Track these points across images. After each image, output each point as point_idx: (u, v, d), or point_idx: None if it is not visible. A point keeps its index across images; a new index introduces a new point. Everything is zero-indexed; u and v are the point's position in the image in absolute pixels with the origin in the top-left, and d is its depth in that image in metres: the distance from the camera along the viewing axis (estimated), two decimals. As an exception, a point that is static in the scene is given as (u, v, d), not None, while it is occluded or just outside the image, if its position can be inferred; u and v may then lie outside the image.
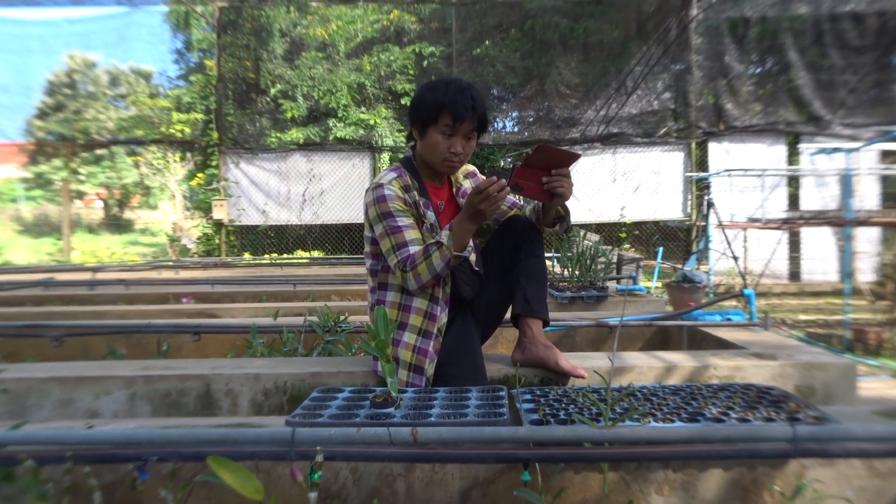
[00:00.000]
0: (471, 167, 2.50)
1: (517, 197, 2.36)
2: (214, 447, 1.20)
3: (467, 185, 2.41)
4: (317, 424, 1.45)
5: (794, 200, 10.25)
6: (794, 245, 9.90)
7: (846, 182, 6.02)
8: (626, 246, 11.14)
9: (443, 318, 2.21)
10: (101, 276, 6.25)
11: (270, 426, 1.53)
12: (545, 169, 2.07)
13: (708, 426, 1.30)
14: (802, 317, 7.00)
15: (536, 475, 1.42)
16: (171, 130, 11.88)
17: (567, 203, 2.22)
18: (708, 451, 1.22)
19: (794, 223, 7.39)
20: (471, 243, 2.19)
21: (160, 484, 1.42)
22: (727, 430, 1.22)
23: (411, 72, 11.48)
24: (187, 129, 11.74)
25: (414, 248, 2.11)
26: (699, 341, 3.10)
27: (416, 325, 2.18)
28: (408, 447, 1.26)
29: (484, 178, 2.42)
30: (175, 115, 11.95)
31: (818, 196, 9.88)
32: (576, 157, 2.07)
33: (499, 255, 2.32)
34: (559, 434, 1.25)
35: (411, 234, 2.14)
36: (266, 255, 11.04)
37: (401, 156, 2.30)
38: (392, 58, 11.40)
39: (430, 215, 2.22)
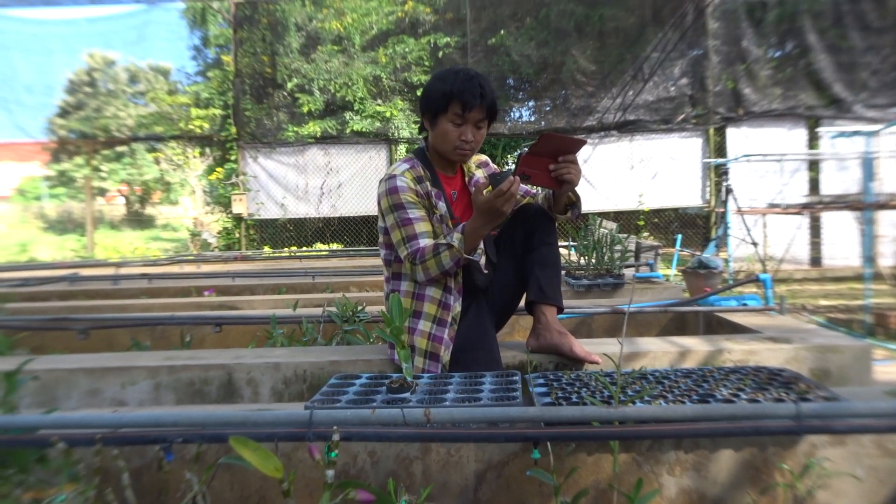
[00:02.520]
0: (483, 157, 2.52)
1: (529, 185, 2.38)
2: (236, 428, 1.25)
3: (479, 174, 2.44)
4: (334, 408, 1.49)
5: (814, 185, 10.13)
6: (815, 230, 9.80)
7: (867, 165, 5.96)
8: (645, 234, 11.08)
9: (457, 307, 2.24)
10: (124, 270, 6.36)
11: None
12: (552, 156, 2.08)
13: (714, 406, 1.32)
14: (823, 302, 6.95)
15: (549, 456, 1.45)
16: (190, 126, 12.00)
17: (583, 191, 2.24)
18: (712, 428, 1.24)
19: (814, 208, 7.32)
20: (481, 245, 2.20)
21: (185, 467, 1.48)
22: (732, 408, 1.25)
23: (427, 63, 11.48)
24: (206, 125, 11.85)
25: (424, 241, 2.15)
26: (715, 327, 3.11)
27: (431, 313, 2.21)
28: (421, 428, 1.29)
29: (496, 167, 2.45)
30: (194, 111, 12.07)
31: (839, 180, 9.75)
32: (581, 143, 2.07)
33: (512, 242, 2.35)
34: (567, 413, 1.28)
35: (422, 226, 2.17)
36: (285, 249, 11.14)
37: (417, 146, 2.32)
38: (407, 49, 11.41)
39: (442, 206, 2.25)
